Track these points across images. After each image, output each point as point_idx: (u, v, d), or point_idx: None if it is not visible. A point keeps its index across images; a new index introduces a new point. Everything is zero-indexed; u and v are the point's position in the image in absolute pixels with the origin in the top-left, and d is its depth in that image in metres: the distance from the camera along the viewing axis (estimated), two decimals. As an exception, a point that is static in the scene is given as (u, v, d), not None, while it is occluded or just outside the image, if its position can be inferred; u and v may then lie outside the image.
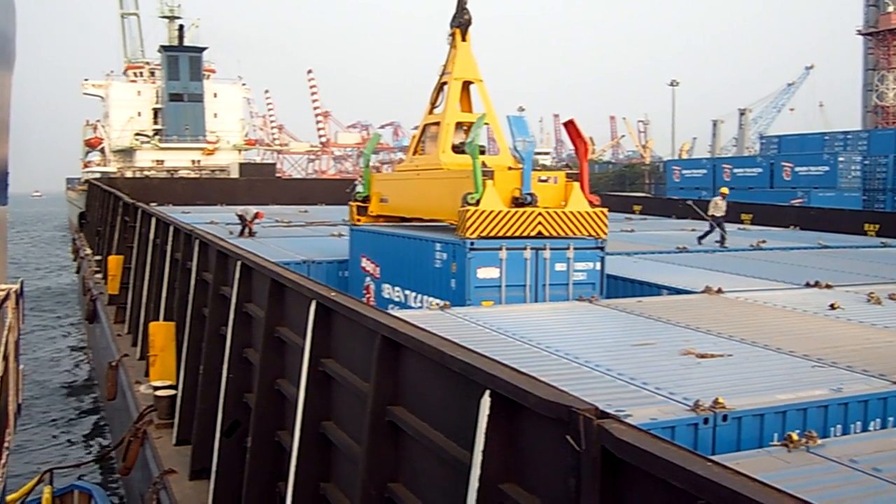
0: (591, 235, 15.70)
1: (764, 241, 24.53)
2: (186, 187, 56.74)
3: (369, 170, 21.08)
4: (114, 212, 32.06)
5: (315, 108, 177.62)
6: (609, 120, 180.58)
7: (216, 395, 11.12)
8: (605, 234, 15.83)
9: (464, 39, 18.65)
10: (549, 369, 8.07)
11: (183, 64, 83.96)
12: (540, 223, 15.28)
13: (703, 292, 13.86)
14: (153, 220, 20.89)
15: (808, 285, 14.65)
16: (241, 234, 26.42)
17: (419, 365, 6.03)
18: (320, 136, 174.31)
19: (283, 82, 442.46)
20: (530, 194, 15.37)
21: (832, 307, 11.96)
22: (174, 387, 14.44)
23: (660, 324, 10.98)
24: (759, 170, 57.51)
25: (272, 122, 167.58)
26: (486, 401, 4.78)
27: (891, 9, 77.45)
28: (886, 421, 7.53)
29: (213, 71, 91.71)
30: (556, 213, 15.45)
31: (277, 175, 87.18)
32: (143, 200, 29.74)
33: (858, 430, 7.38)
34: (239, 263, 11.05)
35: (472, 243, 14.81)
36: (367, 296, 18.36)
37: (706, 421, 6.77)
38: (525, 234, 15.23)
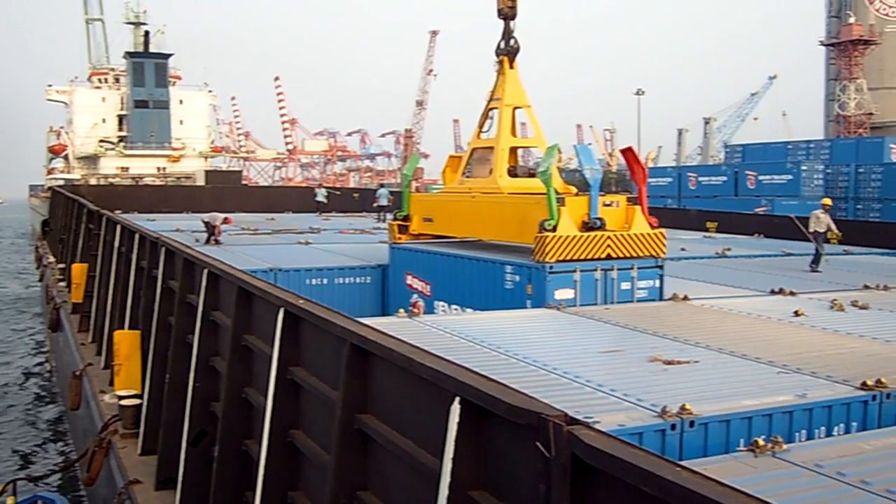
0: (652, 255, 16.47)
1: (729, 249, 24.75)
2: (152, 195, 56.39)
3: (408, 190, 21.45)
4: (78, 219, 31.69)
5: (282, 116, 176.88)
6: (576, 128, 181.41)
7: (182, 405, 11.02)
8: (664, 253, 16.64)
9: (511, 67, 19.35)
10: (517, 376, 8.09)
11: (148, 70, 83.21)
12: (609, 246, 16.04)
13: (669, 300, 13.98)
14: (118, 228, 20.68)
15: (772, 292, 14.83)
16: (208, 241, 26.21)
17: (388, 372, 6.02)
18: (287, 144, 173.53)
19: (249, 89, 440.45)
20: (599, 219, 16.13)
21: (796, 314, 12.10)
22: (139, 396, 14.30)
23: (627, 331, 11.05)
24: (724, 178, 58.09)
25: (239, 129, 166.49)
26: (455, 408, 4.78)
27: (852, 20, 78.50)
28: (850, 426, 7.64)
29: (178, 77, 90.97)
30: (622, 235, 16.20)
31: (244, 182, 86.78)
32: (107, 208, 29.42)
33: (823, 435, 7.48)
34: (206, 271, 10.97)
35: (551, 267, 15.45)
36: (416, 312, 18.64)
37: (673, 427, 6.84)
38: (595, 256, 15.95)
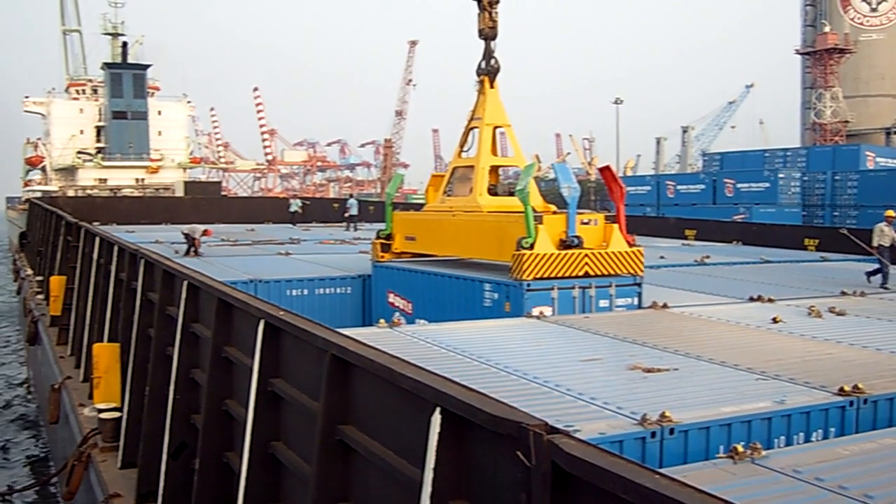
0: (629, 273, 16.55)
1: (708, 257, 24.92)
2: (130, 206, 56.11)
3: (391, 208, 21.44)
4: (56, 231, 31.45)
5: (261, 126, 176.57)
6: (555, 137, 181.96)
7: (162, 417, 10.96)
8: (641, 271, 16.70)
9: (492, 86, 19.53)
10: (497, 386, 8.11)
11: (126, 81, 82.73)
12: (586, 263, 16.17)
13: (648, 307, 14.05)
14: (97, 240, 20.56)
15: (751, 299, 14.93)
16: (188, 253, 26.10)
17: (369, 383, 6.01)
18: (266, 154, 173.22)
19: (228, 100, 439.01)
20: (577, 237, 16.21)
21: (774, 321, 12.20)
22: (119, 409, 14.20)
23: (606, 339, 11.09)
24: (702, 186, 58.56)
25: (218, 139, 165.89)
26: (436, 418, 4.78)
27: (827, 29, 79.23)
28: (828, 432, 7.70)
29: (157, 88, 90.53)
30: (600, 253, 16.31)
31: (223, 193, 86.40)
32: (85, 220, 29.23)
33: (801, 441, 7.54)
34: (185, 283, 10.92)
35: (528, 285, 15.53)
36: (397, 323, 18.76)
37: (653, 435, 6.87)
38: (573, 274, 16.05)
